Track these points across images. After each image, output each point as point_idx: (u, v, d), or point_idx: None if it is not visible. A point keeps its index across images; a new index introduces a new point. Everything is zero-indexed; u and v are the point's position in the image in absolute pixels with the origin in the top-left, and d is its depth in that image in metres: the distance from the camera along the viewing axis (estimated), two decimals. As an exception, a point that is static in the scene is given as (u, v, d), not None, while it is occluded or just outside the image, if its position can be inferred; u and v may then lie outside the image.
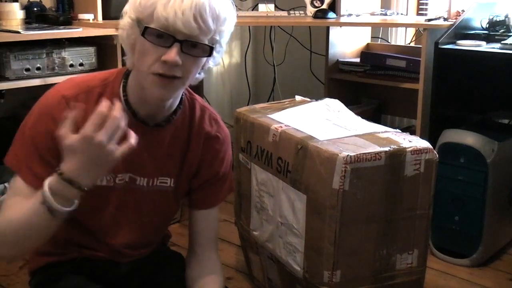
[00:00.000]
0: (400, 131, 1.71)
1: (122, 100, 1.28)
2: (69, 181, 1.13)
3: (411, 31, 3.13)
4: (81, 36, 2.16)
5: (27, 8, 2.38)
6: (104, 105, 1.12)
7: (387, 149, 1.53)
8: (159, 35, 1.19)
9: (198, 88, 1.70)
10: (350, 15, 2.87)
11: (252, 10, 3.17)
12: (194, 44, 1.20)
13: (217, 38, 1.24)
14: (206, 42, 1.22)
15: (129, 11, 1.22)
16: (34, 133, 1.24)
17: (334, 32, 2.89)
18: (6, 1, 2.30)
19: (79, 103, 1.21)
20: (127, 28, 1.23)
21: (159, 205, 1.40)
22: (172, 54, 1.18)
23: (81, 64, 2.17)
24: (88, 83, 1.29)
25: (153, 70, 1.20)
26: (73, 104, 1.22)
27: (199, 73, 1.29)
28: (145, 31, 1.18)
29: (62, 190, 1.13)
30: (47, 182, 1.14)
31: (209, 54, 1.24)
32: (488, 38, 2.40)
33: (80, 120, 1.21)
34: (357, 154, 1.49)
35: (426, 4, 3.07)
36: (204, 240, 1.45)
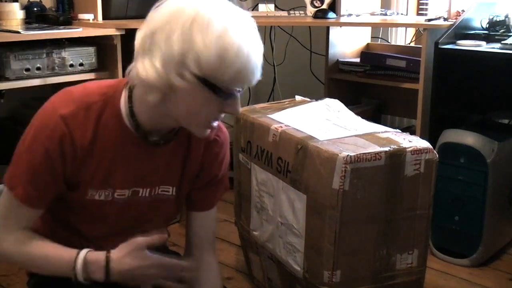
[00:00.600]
0: (400, 131, 1.71)
1: (126, 112, 1.24)
2: (107, 272, 1.22)
3: (411, 31, 3.13)
4: (81, 36, 2.16)
5: (27, 8, 2.38)
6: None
7: (387, 149, 1.53)
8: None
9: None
10: (350, 15, 2.87)
11: (252, 10, 3.17)
12: None
13: None
14: None
15: (188, 69, 1.11)
16: (30, 153, 1.22)
17: (334, 32, 2.89)
18: (6, 1, 2.30)
19: None
20: (181, 83, 1.12)
21: (160, 212, 1.39)
22: (238, 106, 1.18)
23: (81, 64, 2.17)
24: (86, 98, 1.23)
25: (208, 123, 1.20)
26: (71, 121, 1.19)
27: None
28: (218, 92, 1.13)
29: (93, 272, 1.22)
30: (83, 255, 1.22)
31: None
32: (488, 38, 2.40)
33: (79, 136, 1.21)
34: (357, 154, 1.49)
35: (426, 4, 3.07)
36: (202, 242, 1.45)
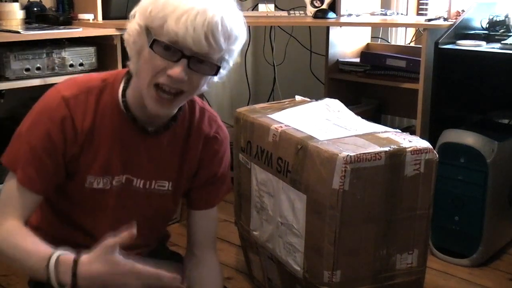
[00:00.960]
0: (400, 131, 1.71)
1: (121, 103, 1.27)
2: (74, 274, 1.10)
3: (411, 31, 3.13)
4: (81, 36, 2.16)
5: (27, 8, 2.38)
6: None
7: (387, 149, 1.53)
8: (167, 47, 1.15)
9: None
10: (350, 15, 2.87)
11: (252, 10, 3.17)
12: (201, 61, 1.17)
13: (226, 57, 1.21)
14: (215, 61, 1.18)
15: (137, 17, 1.18)
16: (31, 134, 1.23)
17: (334, 32, 2.89)
18: (6, 1, 2.30)
19: None
20: (134, 34, 1.19)
21: (157, 208, 1.39)
22: (178, 70, 1.15)
23: (81, 64, 2.17)
24: (88, 83, 1.28)
25: (156, 81, 1.17)
26: (73, 103, 1.22)
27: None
28: (153, 44, 1.15)
29: (63, 274, 1.11)
30: (57, 255, 1.12)
31: (215, 73, 1.20)
32: (488, 38, 2.40)
33: (80, 120, 1.22)
34: (357, 154, 1.49)
35: (426, 4, 3.07)
36: (203, 241, 1.44)
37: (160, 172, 1.35)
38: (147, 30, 1.16)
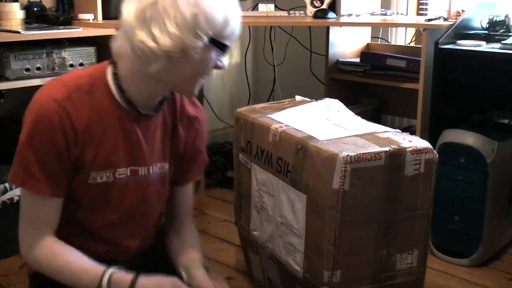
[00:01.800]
0: (400, 131, 1.71)
1: (115, 89, 1.28)
2: None
3: (411, 31, 3.13)
4: (81, 36, 2.16)
5: (27, 8, 2.38)
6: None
7: (387, 149, 1.53)
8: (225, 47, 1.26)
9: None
10: (350, 15, 2.87)
11: (252, 10, 3.17)
12: None
13: None
14: None
15: (201, 30, 1.18)
16: (33, 144, 1.22)
17: (334, 32, 2.89)
18: (6, 1, 2.30)
19: None
20: (193, 45, 1.19)
21: (160, 191, 1.42)
22: (224, 61, 1.28)
23: (81, 64, 2.17)
24: (75, 80, 1.26)
25: (201, 81, 1.28)
26: (67, 104, 1.21)
27: None
28: (224, 50, 1.25)
29: None
30: (109, 273, 1.25)
31: None
32: (488, 38, 2.40)
33: (77, 118, 1.22)
34: (357, 154, 1.49)
35: (426, 4, 3.07)
36: (184, 214, 1.50)
37: (158, 154, 1.38)
38: (213, 40, 1.22)
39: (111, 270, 1.27)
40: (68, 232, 1.36)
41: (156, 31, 1.17)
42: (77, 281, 1.28)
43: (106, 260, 1.40)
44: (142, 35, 1.18)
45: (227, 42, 1.24)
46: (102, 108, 1.27)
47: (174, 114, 1.39)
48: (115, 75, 1.28)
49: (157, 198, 1.42)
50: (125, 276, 1.27)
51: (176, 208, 1.49)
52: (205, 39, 1.19)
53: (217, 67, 1.27)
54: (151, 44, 1.18)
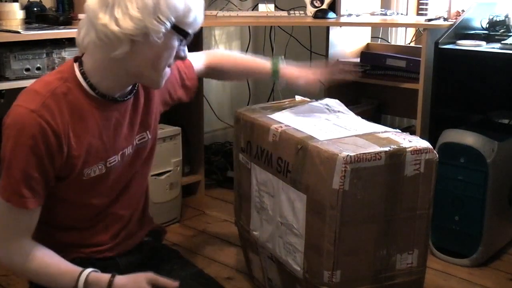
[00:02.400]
0: (400, 131, 1.71)
1: (86, 86, 1.29)
2: None
3: (411, 31, 3.13)
4: (81, 36, 2.16)
5: (27, 8, 2.38)
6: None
7: (387, 149, 1.53)
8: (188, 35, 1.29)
9: (198, 88, 1.72)
10: (350, 15, 2.87)
11: (252, 10, 3.17)
12: None
13: None
14: None
15: (162, 14, 1.22)
16: (17, 159, 1.22)
17: (334, 32, 2.89)
18: (6, 1, 2.30)
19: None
20: (155, 29, 1.22)
21: (143, 158, 1.48)
22: (186, 50, 1.32)
23: (81, 64, 2.17)
24: (47, 87, 1.26)
25: (165, 70, 1.30)
26: (45, 112, 1.22)
27: None
28: (187, 37, 1.28)
29: None
30: (86, 273, 1.28)
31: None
32: (488, 38, 2.40)
33: (57, 123, 1.23)
34: (357, 154, 1.49)
35: (426, 4, 3.07)
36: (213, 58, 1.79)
37: (138, 128, 1.43)
38: (176, 27, 1.25)
39: (88, 270, 1.29)
40: (66, 231, 1.37)
41: (118, 15, 1.20)
42: (54, 282, 1.30)
43: (104, 259, 1.43)
44: (105, 19, 1.21)
45: (189, 30, 1.27)
46: (79, 107, 1.28)
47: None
48: (83, 74, 1.29)
49: (141, 165, 1.49)
50: (102, 276, 1.29)
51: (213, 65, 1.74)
52: (168, 24, 1.22)
53: (179, 57, 1.30)
54: (114, 27, 1.20)
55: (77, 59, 1.31)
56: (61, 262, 1.31)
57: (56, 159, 1.25)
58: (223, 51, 1.83)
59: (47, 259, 1.31)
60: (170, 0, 1.22)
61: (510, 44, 2.24)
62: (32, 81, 2.02)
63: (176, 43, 1.27)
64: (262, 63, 1.80)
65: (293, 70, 1.79)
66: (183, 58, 1.32)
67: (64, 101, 1.26)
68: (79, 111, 1.28)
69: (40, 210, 1.31)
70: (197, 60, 1.71)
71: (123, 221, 1.47)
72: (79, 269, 1.29)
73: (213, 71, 1.78)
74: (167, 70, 1.31)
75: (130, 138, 1.41)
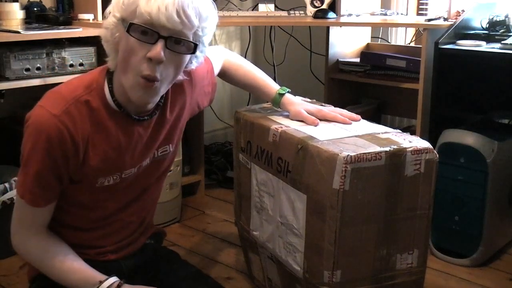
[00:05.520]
0: (400, 131, 1.71)
1: (112, 104, 1.29)
2: None
3: (411, 31, 3.13)
4: (81, 36, 2.16)
5: (27, 8, 2.38)
6: None
7: (387, 149, 1.53)
8: (144, 31, 1.19)
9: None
10: (350, 15, 2.87)
11: (252, 10, 3.17)
12: (178, 41, 1.21)
13: (200, 34, 1.25)
14: (191, 39, 1.23)
15: (112, 11, 1.24)
16: (34, 159, 1.24)
17: (334, 32, 2.89)
18: (6, 1, 2.30)
19: None
20: (111, 28, 1.24)
21: (161, 169, 1.49)
22: (157, 49, 1.18)
23: (81, 64, 2.17)
24: (73, 93, 1.27)
25: (138, 71, 1.21)
26: (66, 119, 1.23)
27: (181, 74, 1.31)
28: (130, 28, 1.19)
29: None
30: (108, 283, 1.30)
31: (193, 51, 1.25)
32: (488, 38, 2.40)
33: (77, 131, 1.23)
34: (357, 154, 1.49)
35: (426, 4, 3.07)
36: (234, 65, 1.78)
37: (161, 143, 1.42)
38: (123, 19, 1.21)
39: (112, 279, 1.32)
40: (70, 235, 1.38)
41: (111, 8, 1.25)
42: (64, 281, 1.33)
43: (108, 261, 1.43)
44: (110, 15, 1.25)
45: (136, 21, 1.19)
46: (101, 118, 1.28)
47: (169, 101, 1.42)
48: (111, 91, 1.29)
49: (158, 174, 1.49)
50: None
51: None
52: (117, 15, 1.22)
53: (150, 57, 1.20)
54: (111, 18, 1.24)
55: (109, 71, 1.31)
56: (75, 262, 1.34)
57: (71, 163, 1.27)
58: (240, 59, 1.77)
59: (60, 256, 1.34)
60: None
61: (510, 44, 2.24)
62: (32, 81, 2.05)
63: (132, 39, 1.20)
64: (269, 87, 1.77)
65: (293, 107, 1.74)
66: (154, 58, 1.19)
67: (87, 110, 1.26)
68: (101, 122, 1.28)
69: (54, 207, 1.33)
70: (217, 64, 1.70)
71: (130, 228, 1.48)
72: (93, 273, 1.33)
73: (223, 75, 1.77)
74: (141, 80, 1.21)
75: (150, 152, 1.41)
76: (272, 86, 1.75)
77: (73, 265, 1.33)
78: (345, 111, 1.72)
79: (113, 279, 1.31)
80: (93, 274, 1.33)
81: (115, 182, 1.35)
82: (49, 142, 1.22)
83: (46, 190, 1.28)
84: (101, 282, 1.30)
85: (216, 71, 1.68)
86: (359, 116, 1.72)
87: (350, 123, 1.68)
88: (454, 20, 2.50)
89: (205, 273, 1.59)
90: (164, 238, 1.71)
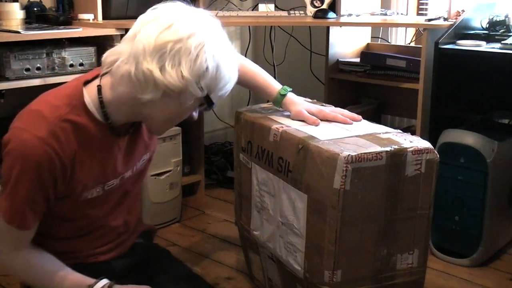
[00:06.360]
0: (401, 131, 1.71)
1: (98, 115, 1.28)
2: None
3: (411, 31, 3.13)
4: (81, 36, 2.16)
5: (27, 8, 2.38)
6: None
7: (388, 149, 1.53)
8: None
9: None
10: (350, 15, 2.87)
11: (252, 10, 3.17)
12: None
13: None
14: None
15: (205, 83, 1.22)
16: (23, 184, 1.22)
17: (334, 32, 2.89)
18: (6, 1, 2.30)
19: None
20: (190, 91, 1.22)
21: (141, 176, 1.51)
22: (196, 113, 1.32)
23: (81, 64, 2.17)
24: (55, 113, 1.23)
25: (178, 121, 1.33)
26: (53, 141, 1.21)
27: None
28: (211, 107, 1.29)
29: None
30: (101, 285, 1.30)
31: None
32: (488, 38, 2.40)
33: (65, 151, 1.23)
34: (358, 154, 1.49)
35: (426, 4, 3.07)
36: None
37: (140, 153, 1.45)
38: (207, 96, 1.25)
39: (103, 281, 1.31)
40: (62, 241, 1.39)
41: (168, 65, 1.18)
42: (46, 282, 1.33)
43: (100, 262, 1.44)
44: (152, 64, 1.18)
45: (215, 101, 1.28)
46: (86, 135, 1.27)
47: None
48: (101, 102, 1.27)
49: (138, 181, 1.51)
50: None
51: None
52: (204, 92, 1.23)
53: (191, 116, 1.31)
54: (158, 74, 1.18)
55: (86, 83, 1.29)
56: (62, 271, 1.34)
57: (59, 183, 1.26)
58: (242, 58, 1.76)
59: (48, 267, 1.34)
60: (219, 72, 1.22)
61: (510, 44, 2.24)
62: (32, 81, 2.05)
63: (197, 105, 1.28)
64: (271, 87, 1.77)
65: (294, 108, 1.76)
66: (193, 119, 1.33)
67: (72, 128, 1.24)
68: (86, 139, 1.27)
69: (38, 225, 1.32)
70: None
71: (116, 230, 1.48)
72: (81, 278, 1.33)
73: None
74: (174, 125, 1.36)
75: (132, 162, 1.42)
76: (274, 86, 1.75)
77: (60, 273, 1.31)
78: (346, 111, 1.72)
79: (103, 282, 1.30)
80: (82, 279, 1.31)
81: (98, 194, 1.35)
82: (38, 167, 1.19)
83: (35, 211, 1.26)
84: (90, 286, 1.29)
85: None
86: (360, 116, 1.72)
87: (351, 123, 1.68)
88: (454, 20, 2.50)
89: (194, 273, 1.61)
90: (154, 235, 1.72)
